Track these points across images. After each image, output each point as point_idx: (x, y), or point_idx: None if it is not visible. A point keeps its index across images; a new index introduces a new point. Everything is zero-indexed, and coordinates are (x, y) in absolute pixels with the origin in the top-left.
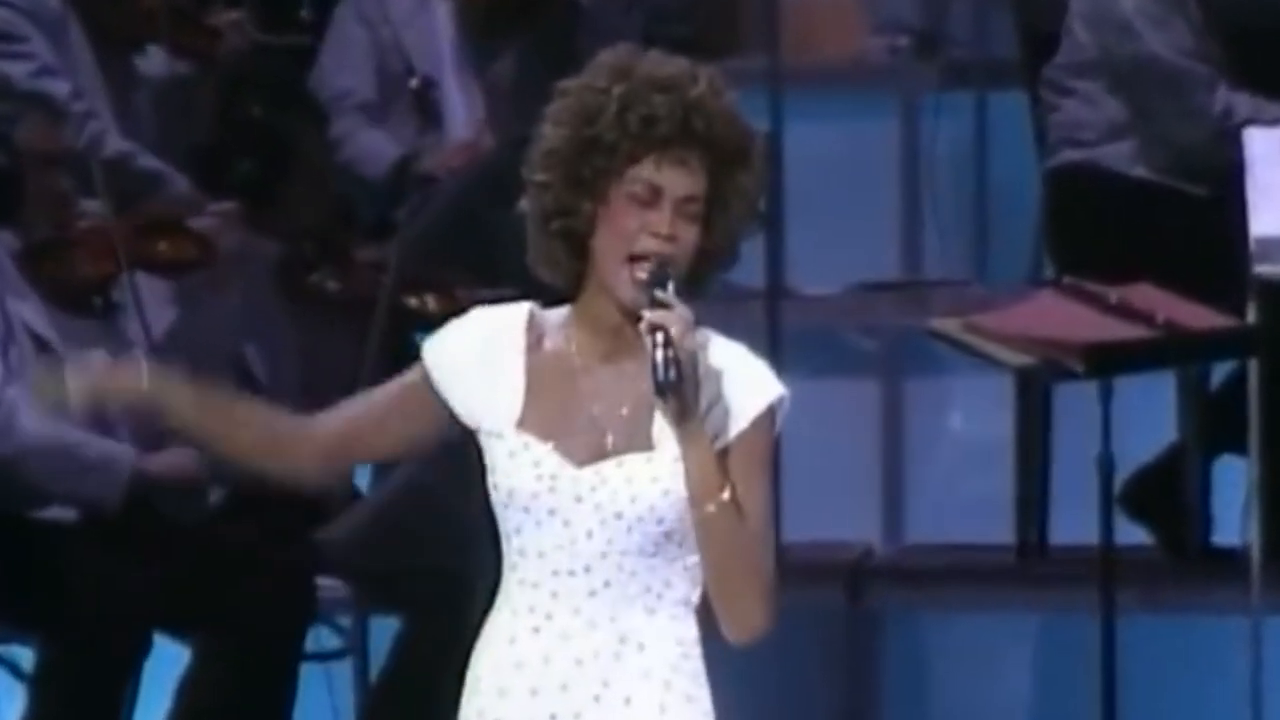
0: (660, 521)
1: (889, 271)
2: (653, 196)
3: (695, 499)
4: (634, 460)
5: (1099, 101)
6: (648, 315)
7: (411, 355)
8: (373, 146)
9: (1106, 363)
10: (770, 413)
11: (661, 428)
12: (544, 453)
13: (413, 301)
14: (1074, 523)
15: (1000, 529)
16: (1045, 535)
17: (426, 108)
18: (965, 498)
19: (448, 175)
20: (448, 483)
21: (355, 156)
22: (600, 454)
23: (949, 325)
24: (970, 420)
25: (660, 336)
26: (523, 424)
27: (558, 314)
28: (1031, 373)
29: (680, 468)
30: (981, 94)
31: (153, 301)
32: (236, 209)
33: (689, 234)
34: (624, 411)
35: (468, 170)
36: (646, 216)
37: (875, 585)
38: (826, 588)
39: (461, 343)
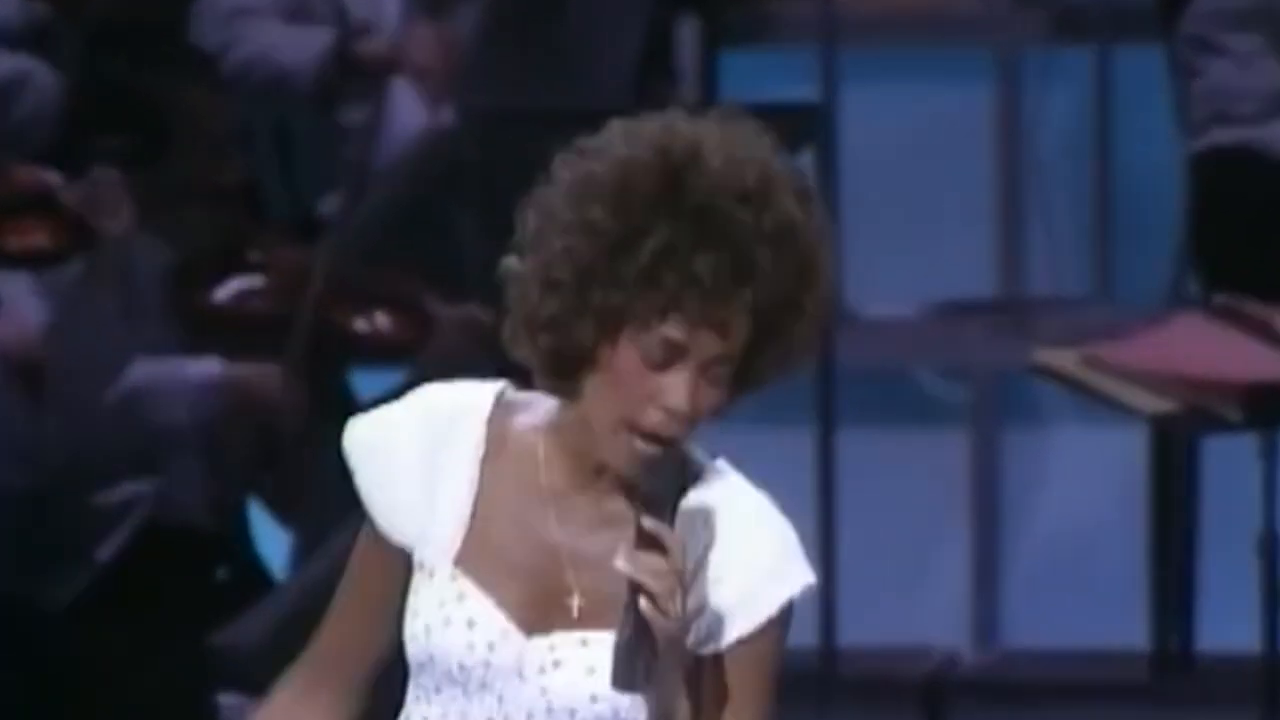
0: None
1: (980, 288)
2: (672, 358)
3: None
4: (602, 644)
5: (1257, 64)
6: (624, 564)
7: (348, 399)
8: (291, 40)
9: (1272, 409)
10: (788, 610)
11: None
12: (484, 611)
13: (359, 324)
14: (1228, 624)
15: (1130, 631)
16: (1190, 641)
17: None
18: (1082, 589)
19: (391, 160)
20: None
21: (270, 61)
22: (559, 620)
23: (1061, 359)
24: (1089, 486)
25: (640, 600)
26: (461, 561)
27: (532, 408)
28: (1172, 422)
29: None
30: (1103, 51)
31: (18, 296)
32: (116, 179)
33: (710, 399)
34: (598, 570)
35: (417, 151)
36: (660, 381)
37: (961, 704)
38: (898, 707)
39: (394, 432)
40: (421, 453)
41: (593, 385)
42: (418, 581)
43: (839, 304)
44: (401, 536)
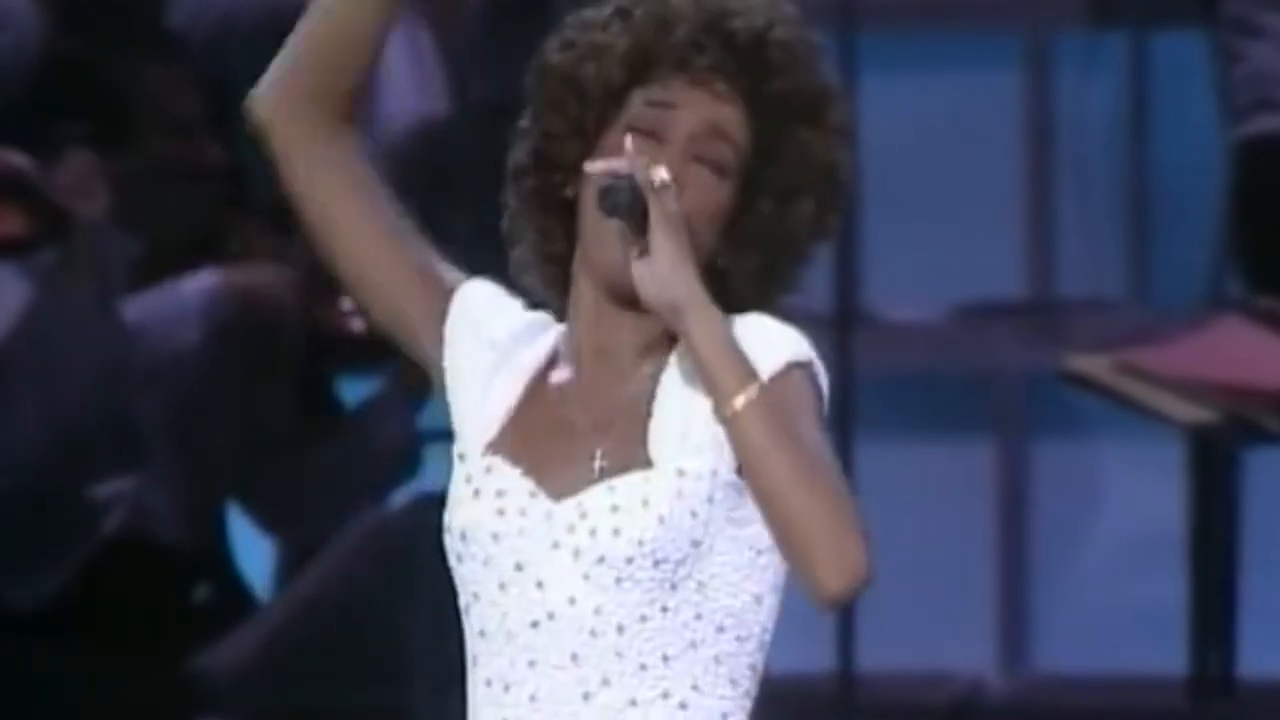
0: (658, 562)
1: (1008, 289)
2: (657, 123)
3: (716, 393)
4: (626, 483)
5: None
6: (590, 167)
7: (337, 403)
8: None
9: None
10: (793, 372)
11: (660, 436)
12: (511, 478)
13: (345, 320)
14: (1272, 647)
15: (1167, 654)
16: (1231, 665)
17: None
18: (1116, 610)
19: (382, 150)
20: (377, 591)
21: (245, 11)
22: (586, 480)
23: (1094, 366)
24: (1124, 501)
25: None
26: (493, 445)
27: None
28: (1212, 433)
29: (687, 484)
30: (1140, 35)
31: None
32: (91, 161)
33: (705, 188)
34: (613, 431)
35: (411, 142)
36: (645, 151)
37: None
38: None
39: (501, 315)
40: (502, 351)
41: (582, 211)
42: (454, 471)
43: (857, 306)
44: (456, 404)
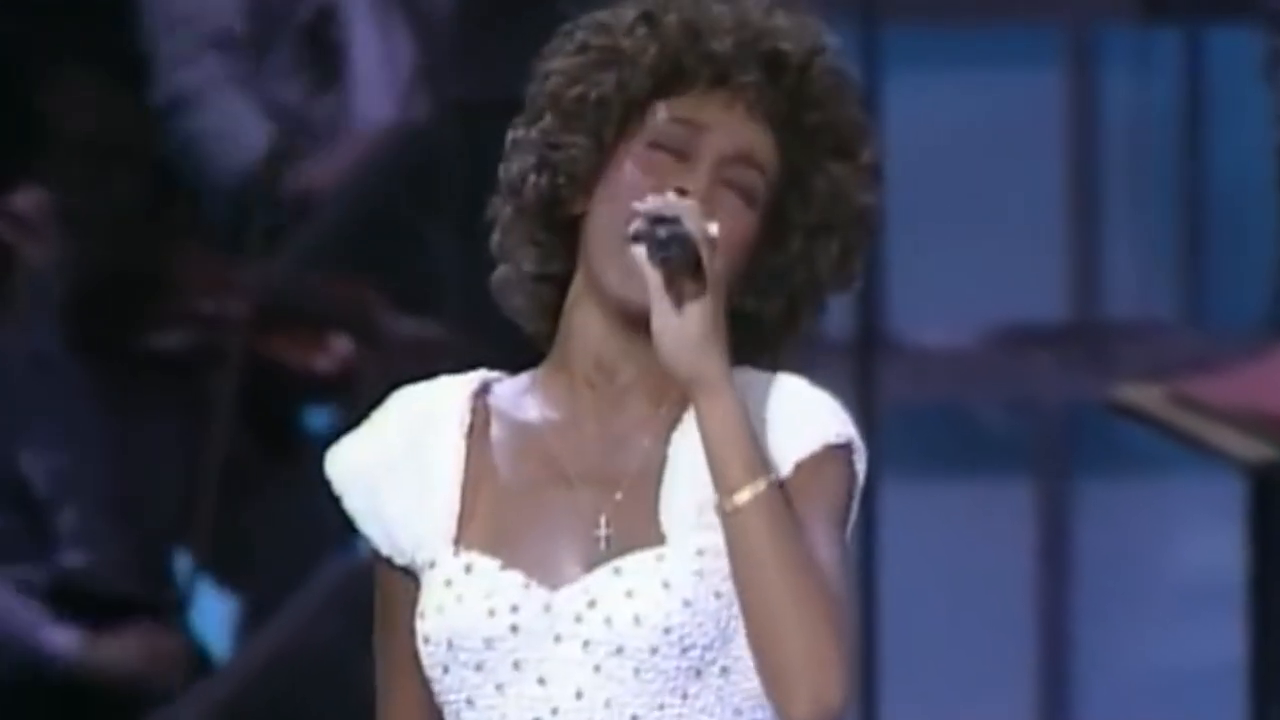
0: (686, 649)
1: (1049, 311)
2: (686, 144)
3: (720, 482)
4: (638, 562)
5: None
6: (641, 207)
7: (301, 440)
8: (227, 125)
9: None
10: (828, 458)
11: (675, 508)
12: (496, 574)
13: (319, 361)
14: None
15: (1225, 714)
16: None
17: (322, 51)
18: (1168, 666)
19: (354, 161)
20: (346, 646)
21: (199, 137)
22: (587, 561)
23: (1145, 396)
24: (1177, 544)
25: (661, 230)
26: (462, 539)
27: (519, 382)
28: (1274, 471)
29: (708, 562)
30: (1194, 32)
31: None
32: (42, 200)
33: (731, 215)
34: (618, 495)
35: (385, 148)
36: (670, 171)
37: None
38: None
39: (372, 442)
40: (404, 454)
41: (590, 227)
42: (424, 583)
43: (880, 329)
44: (404, 556)
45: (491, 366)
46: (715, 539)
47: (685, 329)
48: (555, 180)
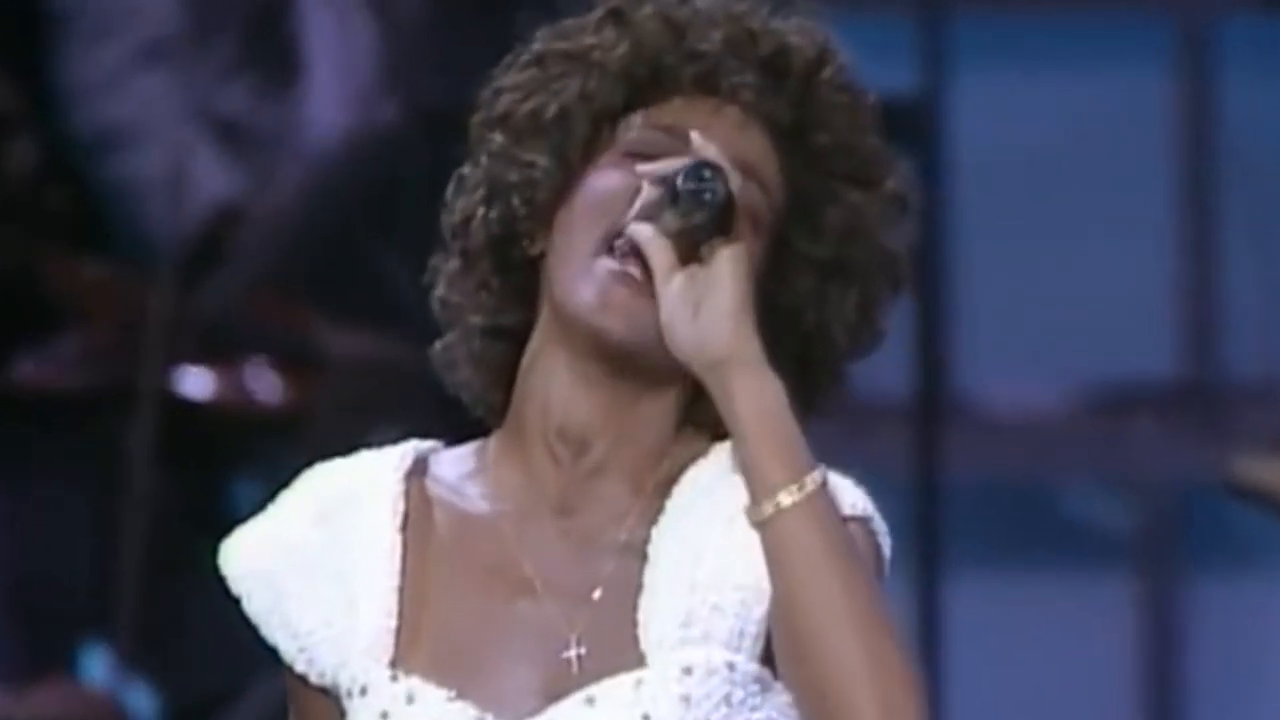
0: None
1: (1155, 366)
2: (669, 152)
3: (757, 482)
4: (614, 689)
5: None
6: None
7: (240, 513)
8: (168, 171)
9: None
10: (850, 527)
11: (656, 621)
12: (444, 705)
13: (251, 396)
14: None
15: None
16: None
17: (275, 50)
18: None
19: (304, 172)
20: None
21: (131, 183)
22: (555, 688)
23: (1269, 471)
24: None
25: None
26: (402, 660)
27: (462, 458)
28: None
29: (695, 684)
30: None
31: None
32: None
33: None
34: (590, 606)
35: (343, 160)
36: (632, 179)
37: None
38: None
39: (279, 533)
40: (320, 550)
41: (553, 252)
42: (351, 711)
43: (946, 390)
44: (323, 675)
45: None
46: (705, 655)
47: (716, 299)
48: (509, 209)
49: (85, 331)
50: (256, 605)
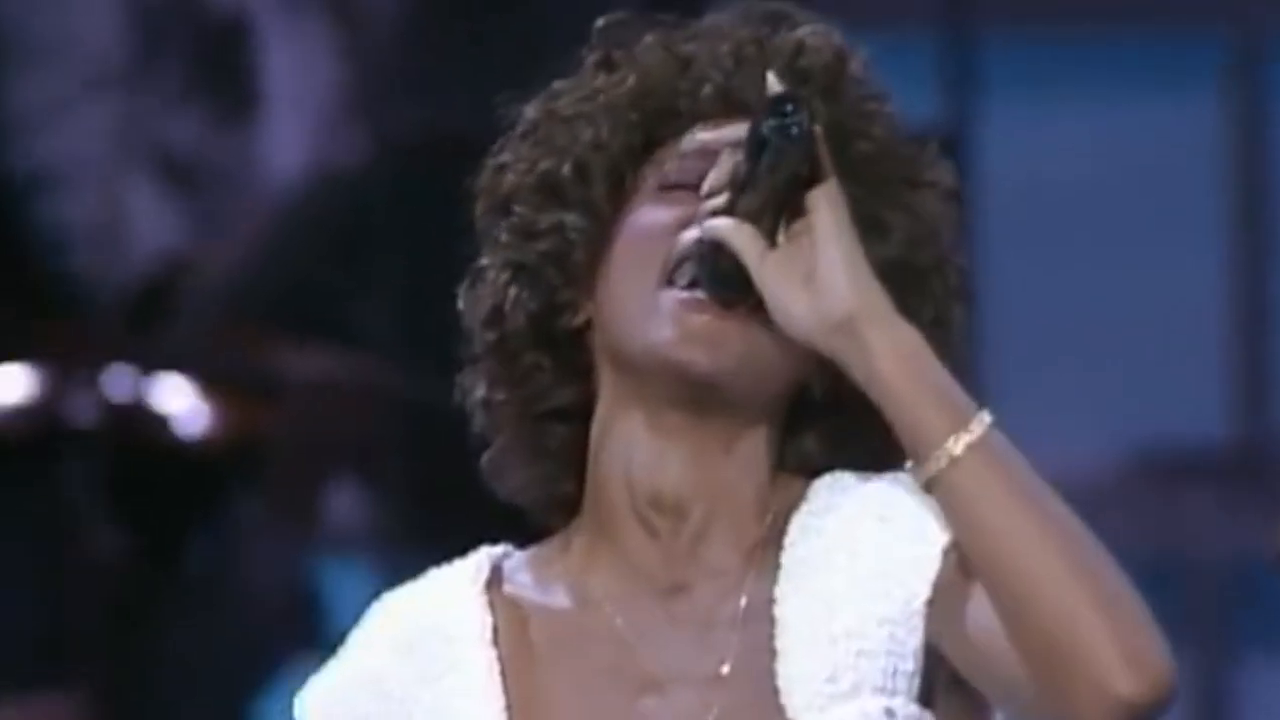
0: None
1: (1205, 428)
2: (700, 176)
3: (918, 439)
4: None
5: None
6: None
7: (201, 560)
8: (109, 217)
9: None
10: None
11: (801, 685)
12: None
13: (206, 430)
14: None
15: None
16: None
17: (229, 80)
18: None
19: (265, 209)
20: None
21: (69, 227)
22: None
23: None
24: None
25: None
26: None
27: (543, 553)
28: None
29: None
30: None
31: None
32: None
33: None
34: (724, 685)
35: (305, 202)
36: (689, 207)
37: None
38: None
39: (359, 672)
40: (412, 682)
41: (603, 310)
42: None
43: None
44: None
45: (427, 424)
46: (859, 707)
47: (826, 253)
48: (544, 282)
49: (25, 375)
50: None
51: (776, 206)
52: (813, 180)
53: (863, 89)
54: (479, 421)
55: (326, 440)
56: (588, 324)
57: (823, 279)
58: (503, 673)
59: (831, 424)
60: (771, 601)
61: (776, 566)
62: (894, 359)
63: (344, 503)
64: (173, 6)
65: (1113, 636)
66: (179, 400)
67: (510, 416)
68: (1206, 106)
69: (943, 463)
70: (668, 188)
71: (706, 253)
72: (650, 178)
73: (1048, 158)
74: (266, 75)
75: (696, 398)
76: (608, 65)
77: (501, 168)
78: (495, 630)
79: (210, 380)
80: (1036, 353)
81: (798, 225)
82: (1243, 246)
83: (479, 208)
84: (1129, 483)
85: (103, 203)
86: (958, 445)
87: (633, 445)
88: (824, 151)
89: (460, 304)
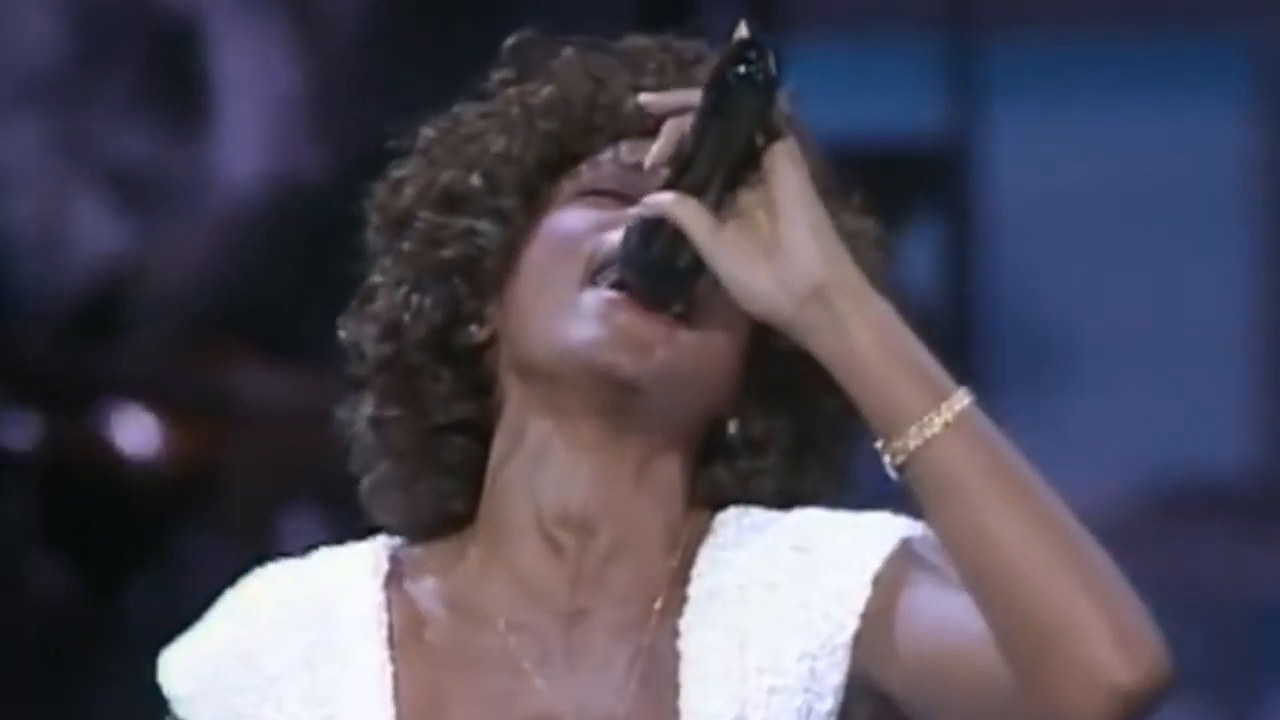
0: None
1: (1230, 460)
2: (636, 188)
3: (892, 418)
4: None
5: None
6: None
7: (145, 600)
8: (50, 225)
9: None
10: (912, 552)
11: (700, 707)
12: None
13: (153, 456)
14: None
15: None
16: None
17: (180, 85)
18: None
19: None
20: None
21: (7, 236)
22: None
23: None
24: None
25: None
26: None
27: (441, 554)
28: None
29: None
30: None
31: None
32: None
33: (724, 305)
34: (621, 710)
35: (261, 215)
36: (612, 212)
37: None
38: None
39: (233, 643)
40: (294, 664)
41: (511, 313)
42: None
43: None
44: None
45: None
46: None
47: (790, 218)
48: (450, 290)
49: None
50: None
51: (729, 170)
52: (769, 139)
53: (795, 121)
54: (363, 445)
55: (283, 466)
56: (490, 340)
57: (789, 248)
58: (395, 676)
59: (744, 459)
60: (676, 635)
61: (683, 600)
62: (870, 331)
63: (301, 533)
64: (119, 7)
65: (1106, 621)
66: (124, 423)
67: (402, 432)
68: (1230, 111)
69: (921, 439)
70: (586, 194)
71: (639, 238)
72: (567, 189)
73: (1058, 167)
74: (220, 83)
75: (615, 406)
76: (519, 81)
77: (399, 182)
78: (391, 630)
79: (158, 401)
80: (1045, 376)
81: (747, 198)
82: (1271, 262)
83: (373, 223)
84: (1147, 520)
85: (44, 215)
86: (937, 422)
87: (541, 460)
88: (781, 111)
89: (344, 327)
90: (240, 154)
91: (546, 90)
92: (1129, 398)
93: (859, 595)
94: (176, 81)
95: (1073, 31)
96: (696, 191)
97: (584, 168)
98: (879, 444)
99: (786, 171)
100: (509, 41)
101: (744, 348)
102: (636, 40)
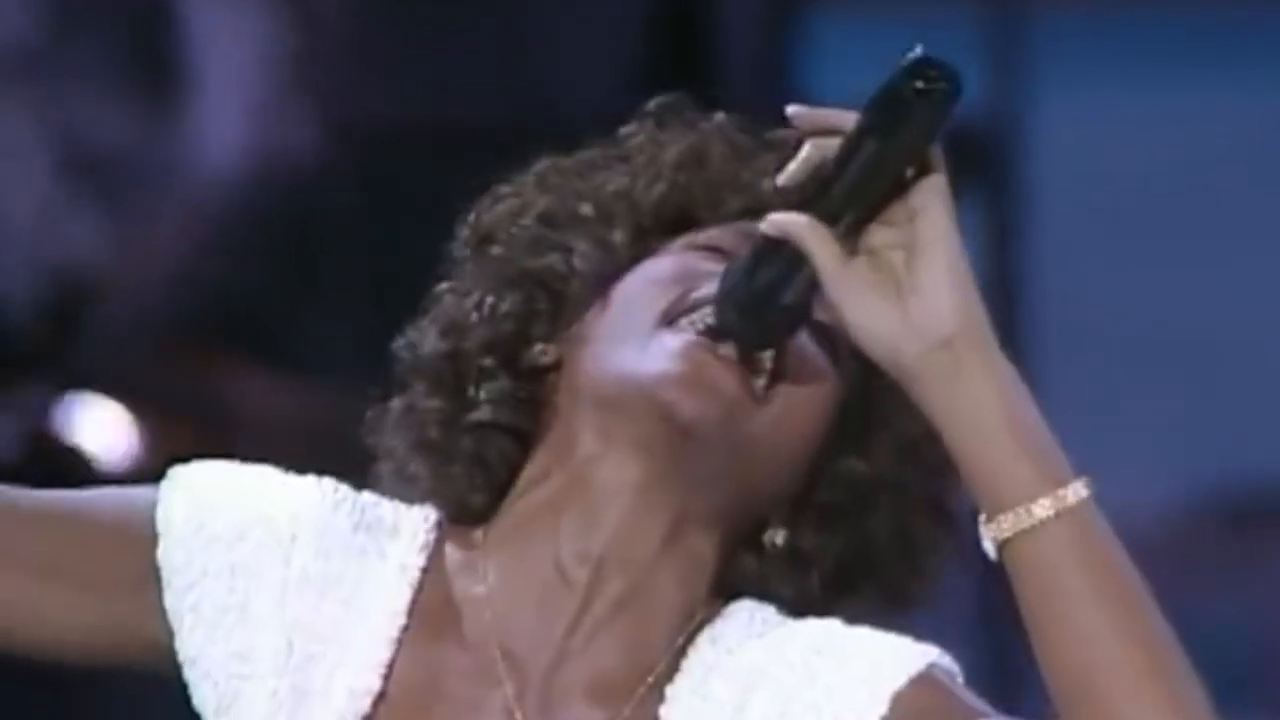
0: None
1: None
2: (738, 248)
3: (999, 490)
4: None
5: None
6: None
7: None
8: (17, 220)
9: None
10: (935, 678)
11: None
12: None
13: (139, 460)
14: None
15: None
16: None
17: (153, 61)
18: None
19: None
20: None
21: None
22: None
23: None
24: None
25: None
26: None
27: (462, 554)
28: None
29: None
30: None
31: None
32: None
33: (815, 376)
34: (626, 711)
35: (244, 195)
36: (716, 265)
37: None
38: None
39: (258, 515)
40: (296, 572)
41: (585, 345)
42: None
43: None
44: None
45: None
46: None
47: (929, 257)
48: (529, 301)
49: None
50: (193, 554)
51: (870, 202)
52: (921, 173)
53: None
54: (389, 432)
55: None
56: (552, 366)
57: (926, 291)
58: (409, 611)
59: (788, 570)
60: (661, 701)
61: (677, 670)
62: (995, 395)
63: None
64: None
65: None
66: (102, 430)
67: (439, 422)
68: (1245, 106)
69: (1027, 522)
70: (699, 248)
71: (749, 261)
72: (679, 244)
73: (1107, 149)
74: (196, 56)
75: (665, 448)
76: (652, 134)
77: (502, 196)
78: (412, 605)
79: (138, 406)
80: (1095, 373)
81: (880, 235)
82: None
83: (466, 231)
84: (1203, 531)
85: (12, 205)
86: (1050, 509)
87: (577, 484)
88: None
89: (409, 334)
90: (220, 133)
91: (685, 144)
92: (1184, 397)
93: (874, 709)
94: (150, 56)
95: (1121, 3)
96: (828, 220)
97: (703, 228)
98: (981, 517)
99: (938, 210)
100: (652, 103)
101: (814, 451)
102: (787, 131)
